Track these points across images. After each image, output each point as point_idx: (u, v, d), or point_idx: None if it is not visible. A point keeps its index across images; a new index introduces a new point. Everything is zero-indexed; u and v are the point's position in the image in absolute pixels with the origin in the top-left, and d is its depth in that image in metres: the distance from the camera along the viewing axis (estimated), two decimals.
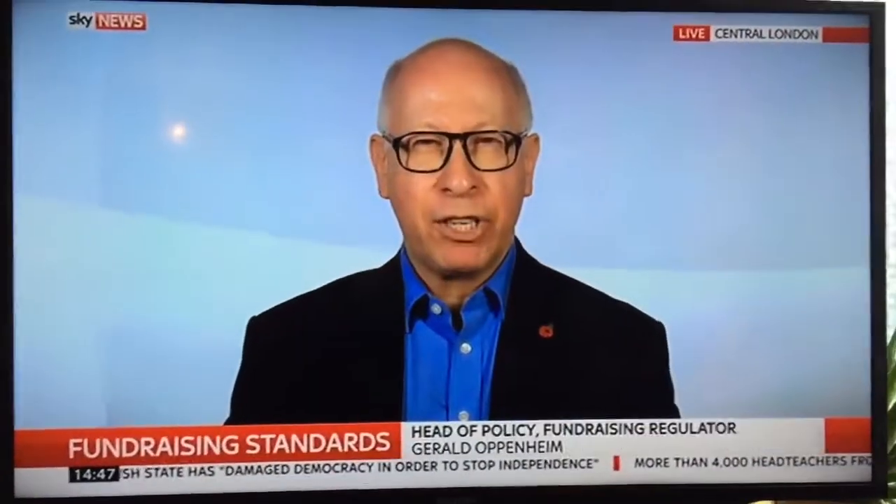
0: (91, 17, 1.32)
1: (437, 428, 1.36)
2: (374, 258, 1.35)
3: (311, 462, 1.35)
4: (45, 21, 1.31)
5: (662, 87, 1.38)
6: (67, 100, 1.31)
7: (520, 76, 1.35)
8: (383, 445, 1.36)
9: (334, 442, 1.36)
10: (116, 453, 1.33)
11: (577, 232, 1.37)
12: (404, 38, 1.34)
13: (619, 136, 1.37)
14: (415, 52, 1.34)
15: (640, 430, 1.39)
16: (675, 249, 1.38)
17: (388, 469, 1.36)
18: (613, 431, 1.38)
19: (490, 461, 1.37)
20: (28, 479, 1.32)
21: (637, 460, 1.39)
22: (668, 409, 1.39)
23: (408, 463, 1.36)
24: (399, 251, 1.35)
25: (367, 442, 1.36)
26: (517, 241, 1.36)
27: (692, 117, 1.38)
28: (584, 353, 1.38)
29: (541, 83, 1.35)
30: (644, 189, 1.38)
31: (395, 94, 1.33)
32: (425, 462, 1.36)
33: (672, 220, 1.39)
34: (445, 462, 1.37)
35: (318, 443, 1.35)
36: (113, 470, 1.33)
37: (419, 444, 1.36)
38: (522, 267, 1.36)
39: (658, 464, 1.39)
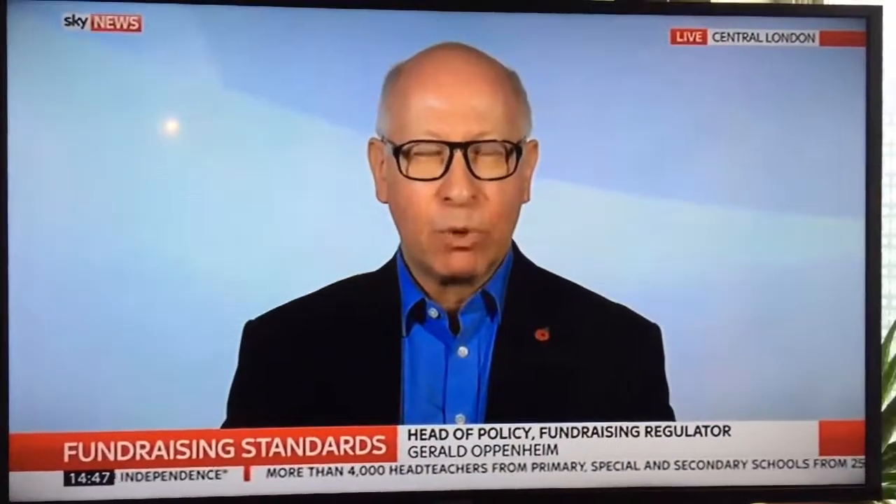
0: (86, 19, 1.31)
1: (433, 431, 1.36)
2: (370, 262, 1.35)
3: (306, 465, 1.35)
4: (40, 22, 1.30)
5: (660, 91, 1.38)
6: (62, 101, 1.30)
7: (520, 83, 1.34)
8: (379, 449, 1.36)
9: (330, 445, 1.35)
10: (112, 457, 1.32)
11: (576, 235, 1.37)
12: (404, 41, 1.34)
13: (617, 139, 1.37)
14: (415, 56, 1.33)
15: (635, 434, 1.39)
16: (672, 252, 1.38)
17: (385, 472, 1.36)
18: (609, 434, 1.39)
19: (486, 464, 1.37)
20: (23, 483, 1.31)
21: (632, 463, 1.39)
22: (662, 410, 1.39)
23: (404, 466, 1.36)
24: (395, 254, 1.35)
25: (363, 445, 1.35)
26: (514, 245, 1.36)
27: (690, 120, 1.38)
28: (579, 356, 1.38)
29: (540, 86, 1.35)
30: (642, 191, 1.38)
31: (396, 100, 1.32)
32: (421, 465, 1.36)
33: (670, 222, 1.38)
34: (442, 465, 1.36)
35: (314, 446, 1.35)
36: (108, 473, 1.32)
37: (415, 447, 1.36)
38: (519, 270, 1.36)
39: (653, 466, 1.39)
